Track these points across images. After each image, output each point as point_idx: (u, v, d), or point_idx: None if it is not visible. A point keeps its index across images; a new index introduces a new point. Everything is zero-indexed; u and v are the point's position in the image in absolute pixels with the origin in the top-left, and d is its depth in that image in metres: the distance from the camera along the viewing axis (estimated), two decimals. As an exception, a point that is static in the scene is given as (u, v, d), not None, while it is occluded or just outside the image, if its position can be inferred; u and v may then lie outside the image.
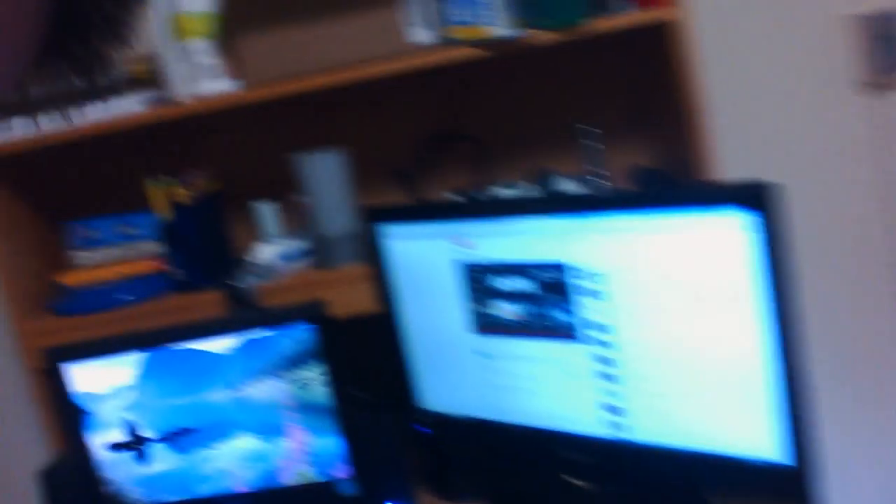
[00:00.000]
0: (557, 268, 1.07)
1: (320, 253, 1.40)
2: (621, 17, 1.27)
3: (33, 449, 1.81)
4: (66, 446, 1.49)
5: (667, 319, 1.00)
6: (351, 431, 1.34)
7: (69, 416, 1.41)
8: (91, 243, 1.54)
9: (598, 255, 1.03)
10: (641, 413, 1.06)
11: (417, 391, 1.32)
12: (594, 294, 1.04)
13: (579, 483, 1.16)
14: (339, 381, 1.33)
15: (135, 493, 1.42)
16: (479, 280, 1.16)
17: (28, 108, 1.40)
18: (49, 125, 1.38)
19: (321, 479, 1.37)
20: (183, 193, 1.43)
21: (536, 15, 1.23)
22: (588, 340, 1.07)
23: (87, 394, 1.39)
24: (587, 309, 1.06)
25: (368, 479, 1.35)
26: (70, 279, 1.54)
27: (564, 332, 1.09)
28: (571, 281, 1.06)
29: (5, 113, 1.41)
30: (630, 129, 1.55)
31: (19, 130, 1.40)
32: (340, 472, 1.36)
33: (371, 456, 1.34)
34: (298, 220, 1.53)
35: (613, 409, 1.08)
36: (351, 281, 1.36)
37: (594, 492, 1.15)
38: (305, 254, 1.47)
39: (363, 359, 1.53)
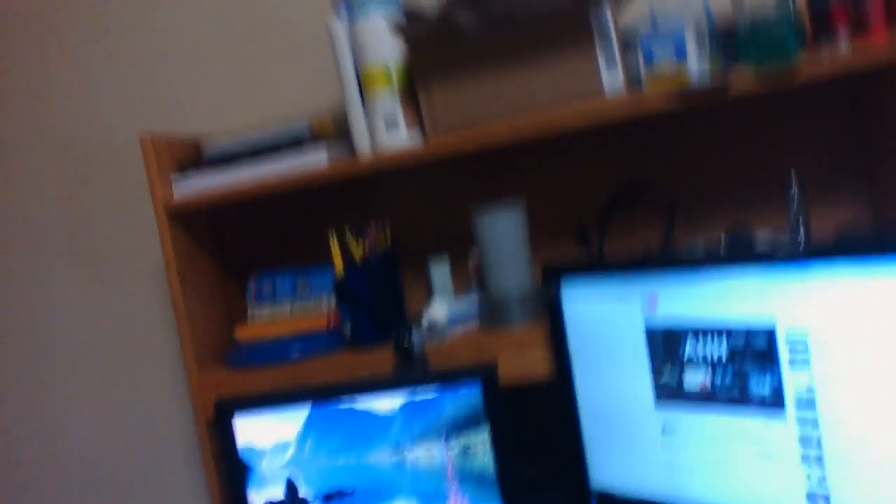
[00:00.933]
0: (763, 330, 0.93)
1: (492, 313, 1.33)
2: (836, 59, 1.13)
3: (196, 501, 1.83)
4: (227, 500, 1.47)
5: (883, 385, 0.83)
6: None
7: (232, 470, 1.39)
8: (269, 297, 1.56)
9: (804, 311, 0.88)
10: (852, 496, 0.88)
11: (589, 467, 1.19)
12: (801, 356, 0.89)
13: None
14: (505, 448, 1.23)
15: (290, 553, 1.37)
16: (668, 345, 1.03)
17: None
18: (235, 178, 1.42)
19: (481, 557, 1.27)
20: (359, 249, 1.42)
21: (744, 55, 1.11)
22: (793, 417, 0.91)
23: (252, 448, 1.37)
24: (792, 379, 0.91)
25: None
26: (244, 333, 1.56)
27: (766, 407, 0.94)
28: (775, 341, 0.92)
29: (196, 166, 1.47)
30: (838, 184, 1.38)
31: (209, 182, 1.45)
32: (502, 550, 1.25)
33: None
34: (472, 277, 1.48)
35: (820, 499, 0.91)
36: (522, 344, 1.27)
37: None
38: (477, 313, 1.40)
39: (532, 428, 1.43)
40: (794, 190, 1.12)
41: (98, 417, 1.92)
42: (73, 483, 1.97)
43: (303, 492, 1.35)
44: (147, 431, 1.89)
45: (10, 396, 1.97)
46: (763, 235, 1.17)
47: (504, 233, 1.30)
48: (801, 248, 0.89)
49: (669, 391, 1.05)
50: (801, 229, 1.09)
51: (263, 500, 1.38)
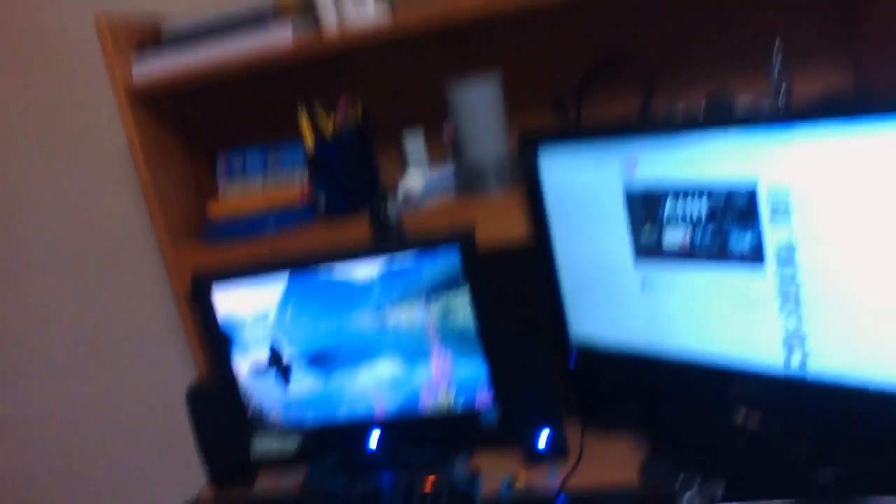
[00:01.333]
0: (740, 186, 0.99)
1: (468, 182, 1.37)
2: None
3: (181, 371, 1.87)
4: (212, 368, 1.52)
5: (861, 239, 0.91)
6: (496, 359, 1.31)
7: (215, 340, 1.43)
8: (240, 173, 1.56)
9: (787, 171, 0.94)
10: (828, 347, 0.98)
11: (567, 322, 1.28)
12: (781, 214, 0.97)
13: (748, 423, 1.09)
14: (485, 308, 1.30)
15: (277, 414, 1.44)
16: (647, 206, 1.09)
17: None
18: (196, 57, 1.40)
19: (464, 407, 1.35)
20: (329, 124, 1.43)
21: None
22: (772, 265, 0.99)
23: (233, 317, 1.41)
24: (773, 231, 0.98)
25: (513, 407, 1.32)
26: (218, 209, 1.57)
27: (745, 257, 1.01)
28: (756, 200, 0.98)
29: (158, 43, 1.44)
30: (822, 49, 1.39)
31: (170, 63, 1.42)
32: (484, 400, 1.34)
33: (517, 386, 1.30)
34: (446, 149, 1.51)
35: (796, 343, 1.00)
36: (499, 209, 1.32)
37: (765, 432, 1.08)
38: (453, 182, 1.44)
39: (511, 290, 1.50)
40: (777, 56, 1.17)
41: (80, 301, 1.92)
42: (62, 364, 1.99)
43: (286, 355, 1.41)
44: (131, 311, 1.91)
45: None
46: (744, 101, 1.22)
47: (480, 102, 1.32)
48: (782, 110, 0.95)
49: (649, 250, 1.12)
50: (783, 96, 1.15)
51: (248, 365, 1.43)
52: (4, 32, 1.78)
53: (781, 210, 0.96)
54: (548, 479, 1.27)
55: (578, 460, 1.30)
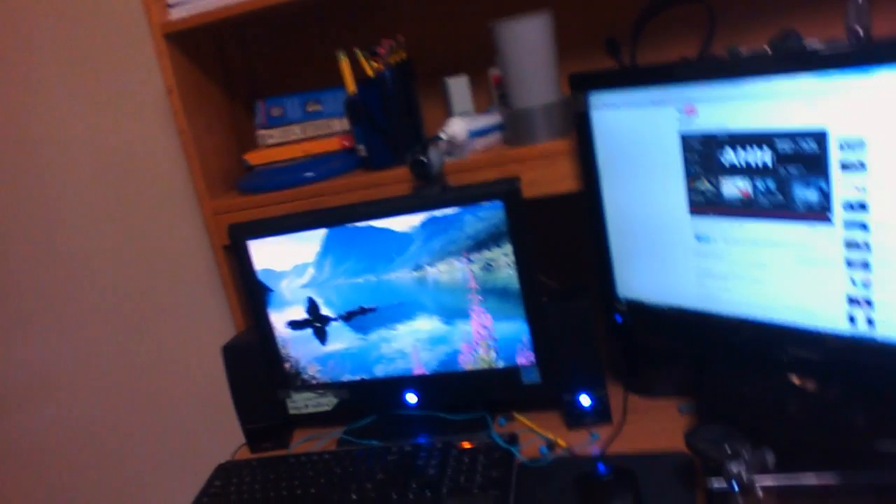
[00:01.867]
0: (808, 135, 0.90)
1: (516, 128, 1.30)
2: None
3: (220, 326, 1.85)
4: (249, 322, 1.49)
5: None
6: (538, 317, 1.25)
7: (252, 293, 1.40)
8: (278, 121, 1.51)
9: (862, 120, 0.85)
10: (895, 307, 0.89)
11: (615, 277, 1.20)
12: (853, 166, 0.87)
13: (806, 385, 1.01)
14: (528, 263, 1.23)
15: (314, 370, 1.40)
16: (706, 153, 1.00)
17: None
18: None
19: (504, 365, 1.29)
20: (370, 69, 1.36)
21: None
22: (840, 221, 0.90)
23: (270, 271, 1.38)
24: (842, 184, 0.88)
25: (555, 368, 1.26)
26: (256, 158, 1.53)
27: (811, 212, 0.92)
28: (826, 150, 0.88)
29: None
30: None
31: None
32: (524, 358, 1.28)
33: (559, 344, 1.24)
34: (493, 93, 1.44)
35: (861, 302, 0.91)
36: (547, 157, 1.25)
37: (822, 395, 1.00)
38: (499, 129, 1.37)
39: (556, 242, 1.43)
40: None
41: (117, 253, 1.92)
42: (98, 318, 1.99)
43: (324, 310, 1.37)
44: (168, 263, 1.90)
45: (24, 237, 1.96)
46: (814, 45, 1.11)
47: (528, 43, 1.24)
48: (857, 50, 0.85)
49: (705, 202, 1.03)
50: (862, 40, 1.04)
51: (285, 320, 1.40)
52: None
53: (854, 163, 0.87)
54: (589, 443, 1.21)
55: (621, 425, 1.24)
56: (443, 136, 1.30)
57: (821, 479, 0.89)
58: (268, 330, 1.41)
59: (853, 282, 0.91)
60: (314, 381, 1.41)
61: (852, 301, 0.92)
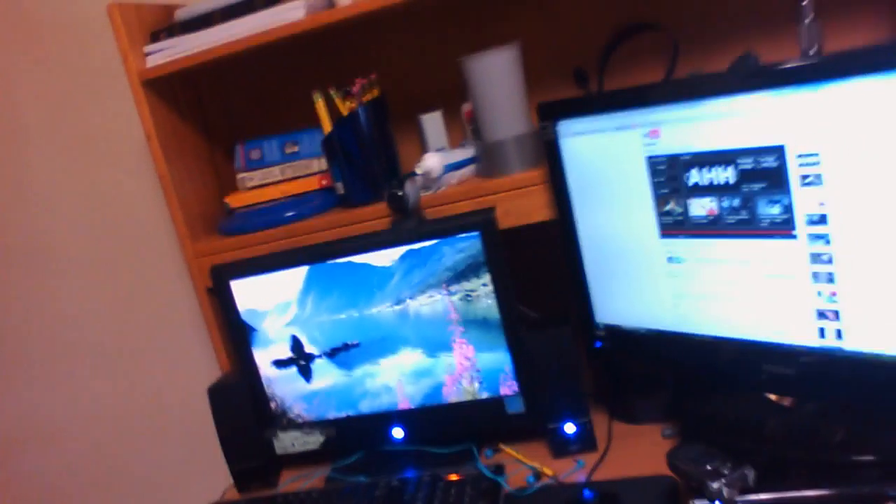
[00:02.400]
0: (769, 152, 0.91)
1: (489, 160, 1.31)
2: None
3: (204, 367, 1.85)
4: (234, 363, 1.49)
5: (895, 206, 0.84)
6: (519, 346, 1.25)
7: (236, 333, 1.40)
8: (257, 164, 1.53)
9: (816, 135, 0.86)
10: (864, 318, 0.89)
11: (593, 304, 1.21)
12: (813, 181, 0.89)
13: (782, 400, 1.01)
14: (507, 293, 1.24)
15: (299, 409, 1.40)
16: (672, 175, 1.02)
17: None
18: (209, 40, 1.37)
19: (488, 396, 1.29)
20: (345, 107, 1.38)
21: None
22: (804, 235, 0.91)
23: (254, 311, 1.38)
24: (803, 199, 0.90)
25: (538, 397, 1.26)
26: (237, 200, 1.54)
27: (775, 228, 0.93)
28: (785, 166, 0.90)
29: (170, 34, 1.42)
30: (858, 7, 1.29)
31: (184, 47, 1.40)
32: (508, 388, 1.28)
33: (541, 373, 1.24)
34: (466, 126, 1.46)
35: (829, 315, 0.92)
36: (521, 188, 1.26)
37: (799, 410, 1.00)
38: (473, 162, 1.38)
39: (533, 270, 1.44)
40: (807, 15, 1.09)
41: (99, 298, 1.92)
42: (81, 361, 1.99)
43: (308, 348, 1.37)
44: (151, 306, 1.90)
45: (7, 286, 1.97)
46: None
47: (497, 75, 1.26)
48: (810, 67, 0.87)
49: (674, 223, 1.04)
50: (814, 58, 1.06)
51: (270, 359, 1.40)
52: (18, 25, 1.78)
53: (812, 177, 0.88)
54: (574, 470, 1.21)
55: (605, 452, 1.24)
56: (419, 170, 1.32)
57: (801, 494, 0.89)
58: (253, 370, 1.41)
59: (820, 294, 0.92)
60: (300, 420, 1.40)
61: (821, 315, 0.93)
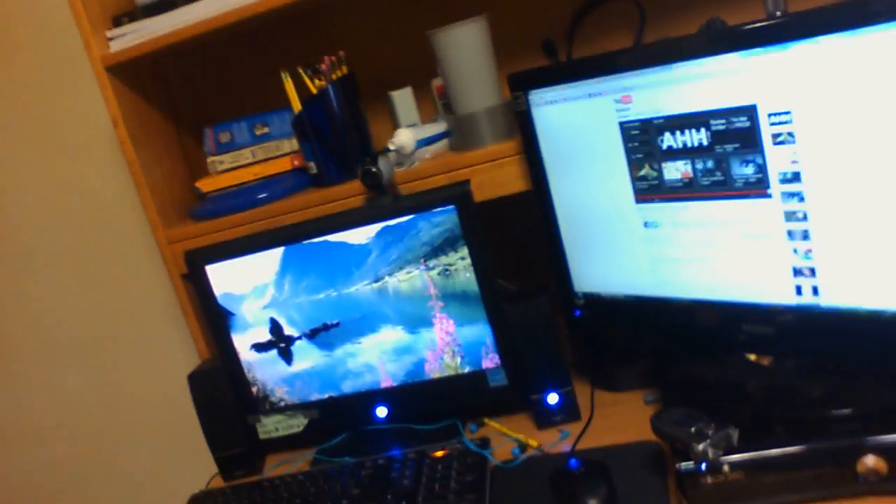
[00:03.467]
0: (740, 112, 0.91)
1: (462, 134, 1.31)
2: None
3: (183, 355, 1.84)
4: (213, 348, 1.48)
5: (867, 161, 0.84)
6: (500, 319, 1.25)
7: (213, 318, 1.39)
8: (228, 147, 1.51)
9: (787, 93, 0.86)
10: (840, 274, 0.90)
11: (571, 273, 1.21)
12: (785, 139, 0.89)
13: (761, 360, 1.02)
14: (485, 266, 1.24)
15: (281, 392, 1.39)
16: (645, 139, 1.02)
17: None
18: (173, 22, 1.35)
19: (470, 370, 1.29)
20: (313, 84, 1.37)
21: None
22: (777, 194, 0.91)
23: (230, 294, 1.37)
24: (776, 157, 0.90)
25: (520, 369, 1.26)
26: (208, 185, 1.52)
27: (750, 188, 0.93)
28: (757, 126, 0.90)
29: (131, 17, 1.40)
30: None
31: (147, 30, 1.37)
32: (490, 361, 1.28)
33: (522, 344, 1.24)
34: (437, 101, 1.45)
35: (805, 272, 0.93)
36: (494, 160, 1.26)
37: (778, 372, 1.01)
38: (446, 136, 1.37)
39: (512, 243, 1.44)
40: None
41: (74, 289, 1.89)
42: (59, 355, 1.96)
43: (287, 330, 1.36)
44: (127, 295, 1.88)
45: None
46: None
47: (467, 48, 1.25)
48: (777, 26, 0.87)
49: (649, 188, 1.04)
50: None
51: (249, 343, 1.39)
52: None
53: (784, 135, 0.89)
54: (559, 441, 1.21)
55: (589, 421, 1.24)
56: (391, 146, 1.31)
57: (783, 450, 0.90)
58: (232, 355, 1.40)
59: (795, 252, 0.93)
60: (283, 404, 1.40)
61: (797, 272, 0.93)
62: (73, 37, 1.64)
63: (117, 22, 1.41)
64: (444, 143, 1.37)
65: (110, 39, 1.40)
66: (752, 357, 1.02)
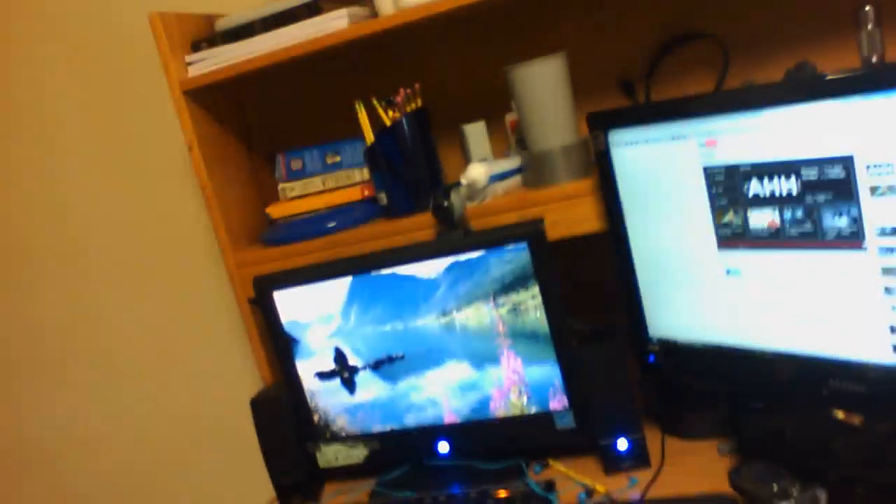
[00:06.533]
0: (835, 162, 0.88)
1: (535, 170, 1.29)
2: None
3: (246, 379, 1.84)
4: (276, 375, 1.48)
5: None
6: (569, 360, 1.23)
7: (279, 344, 1.39)
8: (299, 174, 1.52)
9: (888, 142, 0.83)
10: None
11: (646, 317, 1.18)
12: (885, 192, 0.85)
13: (851, 418, 0.98)
14: (557, 305, 1.22)
15: (343, 421, 1.38)
16: (730, 185, 0.99)
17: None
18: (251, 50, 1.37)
19: (536, 410, 1.27)
20: (387, 118, 1.37)
21: None
22: (875, 248, 0.88)
23: (296, 322, 1.37)
24: (874, 210, 0.87)
25: (589, 412, 1.23)
26: (278, 211, 1.53)
27: (842, 240, 0.90)
28: (853, 176, 0.86)
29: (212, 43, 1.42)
30: None
31: (225, 57, 1.39)
32: (557, 403, 1.25)
33: (592, 387, 1.21)
34: (510, 136, 1.44)
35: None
36: (568, 198, 1.24)
37: (870, 429, 0.96)
38: (519, 172, 1.36)
39: (584, 283, 1.42)
40: (867, 22, 1.05)
41: (142, 308, 1.93)
42: (124, 372, 1.99)
43: (352, 360, 1.35)
44: (193, 317, 1.90)
45: (54, 299, 1.98)
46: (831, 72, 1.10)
47: (544, 84, 1.24)
48: (881, 73, 0.84)
49: (733, 235, 1.01)
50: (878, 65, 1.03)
51: (313, 371, 1.39)
52: (60, 36, 1.80)
53: (884, 188, 0.85)
54: (628, 488, 1.18)
55: (659, 468, 1.21)
56: (464, 180, 1.30)
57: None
58: (296, 381, 1.40)
59: (894, 309, 0.89)
60: (344, 433, 1.39)
61: (894, 330, 0.89)
62: (152, 60, 1.68)
63: (196, 47, 1.44)
64: (516, 179, 1.36)
65: (189, 64, 1.42)
66: (841, 415, 0.98)
